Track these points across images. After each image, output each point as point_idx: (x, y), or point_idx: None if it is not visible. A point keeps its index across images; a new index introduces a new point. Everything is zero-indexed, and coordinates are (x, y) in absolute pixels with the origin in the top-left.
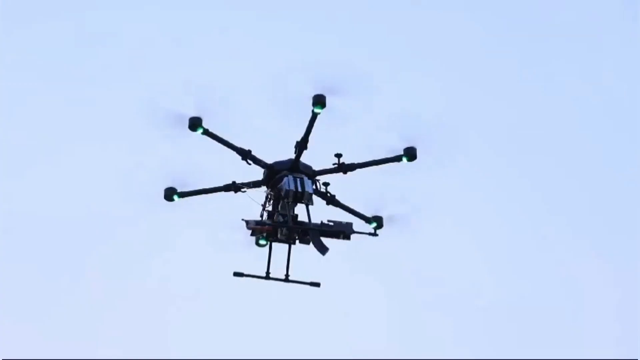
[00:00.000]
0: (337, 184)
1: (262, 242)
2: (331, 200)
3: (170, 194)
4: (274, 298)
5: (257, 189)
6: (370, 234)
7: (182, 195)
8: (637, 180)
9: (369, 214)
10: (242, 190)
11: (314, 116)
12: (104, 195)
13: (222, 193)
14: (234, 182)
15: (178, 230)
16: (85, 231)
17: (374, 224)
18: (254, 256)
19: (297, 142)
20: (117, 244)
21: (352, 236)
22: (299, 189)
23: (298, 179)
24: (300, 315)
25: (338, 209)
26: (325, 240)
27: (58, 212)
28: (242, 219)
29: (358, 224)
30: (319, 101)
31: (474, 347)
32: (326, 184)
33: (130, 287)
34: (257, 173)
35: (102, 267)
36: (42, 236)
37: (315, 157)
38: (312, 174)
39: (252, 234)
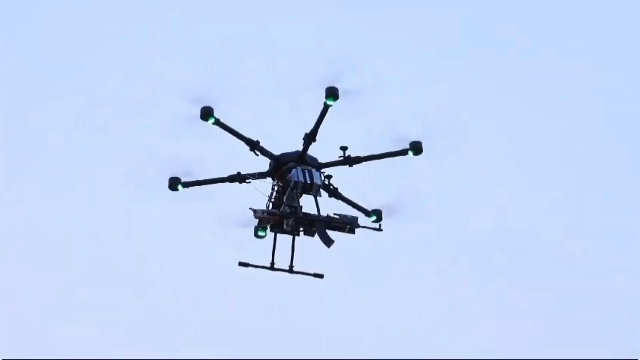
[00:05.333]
0: (338, 176)
1: (261, 233)
2: (333, 192)
3: (174, 183)
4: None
5: (262, 180)
6: (375, 229)
7: (187, 185)
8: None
9: (369, 207)
10: (247, 180)
11: (326, 108)
12: (108, 187)
13: (227, 183)
14: (239, 173)
15: (182, 220)
16: (86, 225)
17: (374, 217)
18: (255, 247)
19: (306, 134)
20: (120, 235)
21: (357, 230)
22: (308, 181)
23: (306, 171)
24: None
25: (339, 202)
26: (330, 233)
27: (57, 206)
28: (250, 208)
29: (363, 218)
30: (332, 93)
31: (475, 345)
32: (329, 177)
33: (132, 279)
34: (264, 164)
35: (101, 262)
36: (40, 232)
37: (319, 149)
38: (318, 166)
39: (259, 224)
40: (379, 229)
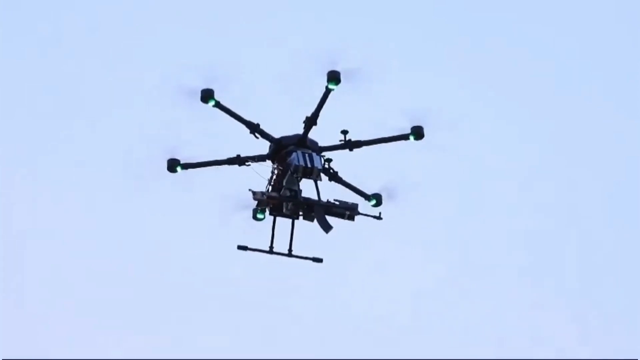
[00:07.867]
0: (339, 160)
1: (260, 215)
2: (333, 176)
3: (173, 165)
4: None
5: (262, 163)
6: (375, 217)
7: (185, 167)
8: None
9: (369, 192)
10: (247, 163)
11: (327, 92)
12: (107, 171)
13: (227, 166)
14: (238, 156)
15: (180, 202)
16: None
17: (374, 202)
18: (254, 230)
19: (307, 118)
20: (118, 219)
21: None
22: (309, 165)
23: (307, 155)
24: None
25: (338, 185)
26: (330, 219)
27: (56, 199)
28: (249, 189)
29: (363, 204)
30: (334, 77)
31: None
32: (329, 160)
33: (129, 262)
34: (264, 147)
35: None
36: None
37: (319, 132)
38: (319, 150)
39: (257, 206)
40: (379, 217)
